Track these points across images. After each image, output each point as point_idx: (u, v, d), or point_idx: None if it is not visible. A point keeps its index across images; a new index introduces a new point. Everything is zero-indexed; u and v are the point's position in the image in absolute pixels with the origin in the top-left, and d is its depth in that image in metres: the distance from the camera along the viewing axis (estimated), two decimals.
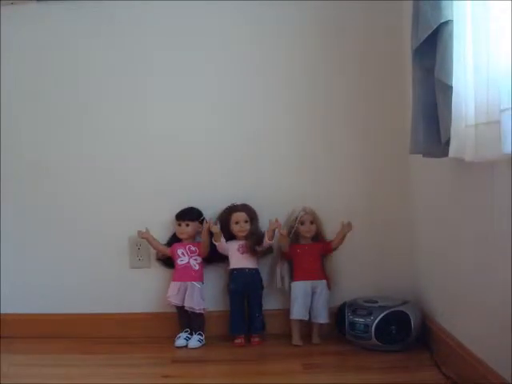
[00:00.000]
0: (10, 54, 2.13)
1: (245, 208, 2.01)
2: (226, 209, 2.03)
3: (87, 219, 2.13)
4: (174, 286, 2.00)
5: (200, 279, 2.02)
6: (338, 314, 1.95)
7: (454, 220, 1.64)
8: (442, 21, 1.34)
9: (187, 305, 1.97)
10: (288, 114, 2.09)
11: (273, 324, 2.03)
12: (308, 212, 1.99)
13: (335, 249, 2.01)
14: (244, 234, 2.00)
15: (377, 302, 1.90)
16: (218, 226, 1.99)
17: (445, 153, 1.42)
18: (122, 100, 2.12)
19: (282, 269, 2.01)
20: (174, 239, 2.07)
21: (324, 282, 1.98)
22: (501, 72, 1.13)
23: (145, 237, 2.04)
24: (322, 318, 1.94)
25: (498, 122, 1.12)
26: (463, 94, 1.31)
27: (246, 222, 2.00)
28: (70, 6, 2.09)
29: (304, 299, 1.94)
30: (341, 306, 1.96)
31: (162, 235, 2.10)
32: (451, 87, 1.34)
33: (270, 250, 2.04)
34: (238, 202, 2.02)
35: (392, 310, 1.85)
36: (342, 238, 1.98)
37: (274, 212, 2.02)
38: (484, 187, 1.41)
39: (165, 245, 2.07)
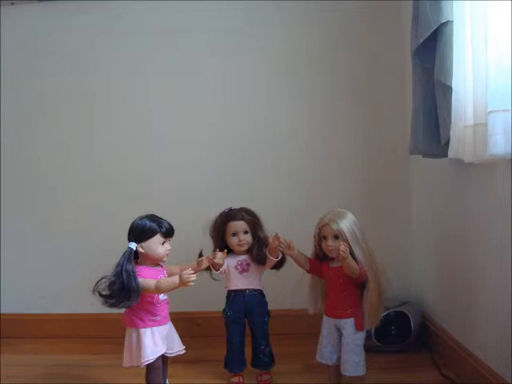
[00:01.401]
0: (9, 53, 2.13)
1: (244, 215, 1.62)
2: (221, 215, 1.64)
3: (87, 219, 2.14)
4: (161, 333, 1.50)
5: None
6: None
7: (454, 220, 1.64)
8: (442, 21, 1.35)
9: (170, 350, 1.54)
10: (288, 114, 2.09)
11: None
12: (332, 220, 1.46)
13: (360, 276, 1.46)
14: (244, 248, 1.62)
15: None
16: (221, 254, 1.58)
17: (444, 153, 1.42)
18: (121, 100, 2.13)
19: (313, 290, 1.56)
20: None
21: (350, 321, 1.49)
22: (492, 73, 1.13)
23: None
24: (347, 369, 1.48)
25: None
26: (462, 94, 1.31)
27: (246, 232, 1.62)
28: (69, 5, 2.10)
29: (329, 339, 1.53)
30: None
31: None
32: (451, 88, 1.34)
33: (281, 262, 1.63)
34: (236, 206, 1.66)
35: (391, 310, 1.85)
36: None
37: (274, 213, 2.02)
38: (484, 187, 1.41)
39: None
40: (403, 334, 1.83)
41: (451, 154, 1.37)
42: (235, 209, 1.65)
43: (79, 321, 2.12)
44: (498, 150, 1.13)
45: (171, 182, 2.11)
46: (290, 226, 2.06)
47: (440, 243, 1.78)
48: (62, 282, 2.14)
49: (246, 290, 1.64)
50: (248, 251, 1.63)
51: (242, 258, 1.64)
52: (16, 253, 2.16)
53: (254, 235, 1.63)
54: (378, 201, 2.08)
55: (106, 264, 2.11)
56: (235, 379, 1.65)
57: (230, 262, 1.63)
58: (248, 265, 1.63)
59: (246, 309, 1.64)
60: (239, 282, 1.63)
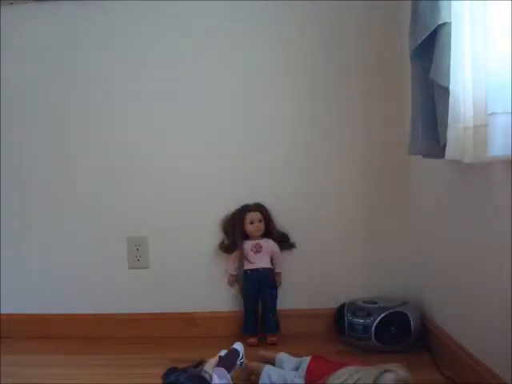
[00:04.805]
0: (10, 53, 2.13)
1: (259, 207, 2.03)
2: (239, 209, 2.04)
3: (86, 219, 2.14)
4: None
5: None
6: (337, 315, 1.95)
7: (454, 220, 1.63)
8: (440, 23, 1.34)
9: None
10: (287, 114, 2.09)
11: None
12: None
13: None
14: (259, 233, 2.01)
15: (376, 302, 1.89)
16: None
17: (444, 154, 1.42)
18: (121, 100, 2.12)
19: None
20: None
21: None
22: (491, 75, 1.13)
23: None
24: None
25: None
26: (462, 95, 1.30)
27: (261, 221, 2.01)
28: (69, 5, 2.10)
29: None
30: (340, 307, 1.96)
31: (161, 235, 2.11)
32: (447, 89, 1.34)
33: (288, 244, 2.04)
34: (251, 202, 2.04)
35: (391, 310, 1.84)
36: None
37: (277, 211, 2.04)
38: (484, 188, 1.41)
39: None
40: (403, 334, 1.83)
41: (448, 155, 1.36)
42: (250, 204, 2.04)
43: (79, 321, 2.12)
44: (497, 151, 1.13)
45: (174, 185, 2.11)
46: (291, 224, 2.08)
47: (440, 243, 1.78)
48: (61, 281, 2.14)
49: (259, 268, 1.99)
50: (262, 236, 2.02)
51: (257, 241, 2.01)
52: (16, 253, 2.16)
53: (266, 222, 2.02)
54: (378, 201, 2.07)
55: (106, 264, 2.14)
56: (251, 340, 1.94)
57: (246, 245, 2.01)
58: (261, 247, 2.01)
59: (258, 283, 1.98)
60: (254, 262, 1.99)
